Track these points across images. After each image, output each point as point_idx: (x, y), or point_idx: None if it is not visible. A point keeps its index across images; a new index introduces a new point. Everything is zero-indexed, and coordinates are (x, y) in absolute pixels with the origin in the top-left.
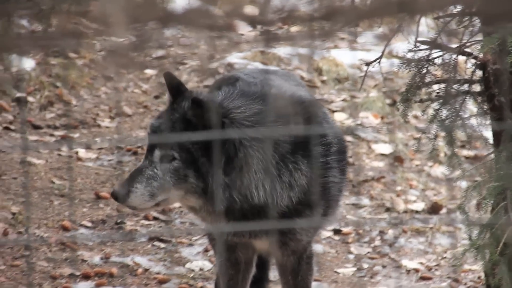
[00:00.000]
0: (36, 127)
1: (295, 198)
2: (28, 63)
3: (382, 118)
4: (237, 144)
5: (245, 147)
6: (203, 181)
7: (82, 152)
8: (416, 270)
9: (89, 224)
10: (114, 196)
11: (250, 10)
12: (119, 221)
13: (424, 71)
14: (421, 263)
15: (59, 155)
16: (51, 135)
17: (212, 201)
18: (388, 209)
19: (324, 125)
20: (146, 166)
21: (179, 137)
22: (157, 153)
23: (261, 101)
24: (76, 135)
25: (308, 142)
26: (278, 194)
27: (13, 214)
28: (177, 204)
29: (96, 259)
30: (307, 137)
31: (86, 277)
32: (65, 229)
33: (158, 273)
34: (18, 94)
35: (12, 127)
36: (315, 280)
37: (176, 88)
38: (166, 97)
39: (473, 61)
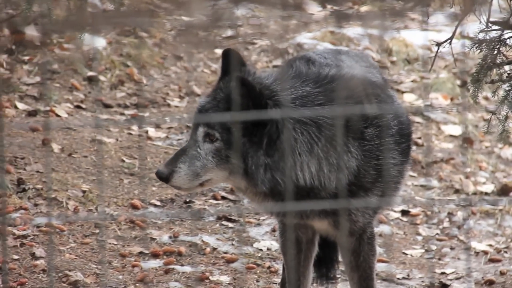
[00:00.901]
0: (107, 106)
1: (345, 180)
2: (100, 42)
3: (451, 99)
4: (280, 126)
5: (288, 129)
6: (243, 162)
7: (151, 131)
8: (485, 252)
9: (158, 203)
10: (158, 175)
11: None
12: (187, 200)
13: (495, 52)
14: (490, 245)
15: (129, 134)
16: (122, 114)
17: (254, 182)
18: (457, 191)
19: (382, 106)
20: (190, 146)
21: (220, 117)
22: (200, 132)
23: (313, 83)
24: (146, 114)
25: (359, 124)
26: (325, 176)
27: (84, 192)
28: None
29: (165, 237)
30: (359, 119)
31: (155, 255)
32: (135, 207)
33: (226, 253)
34: (90, 73)
35: (83, 105)
36: (383, 261)
37: (228, 67)
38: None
39: None
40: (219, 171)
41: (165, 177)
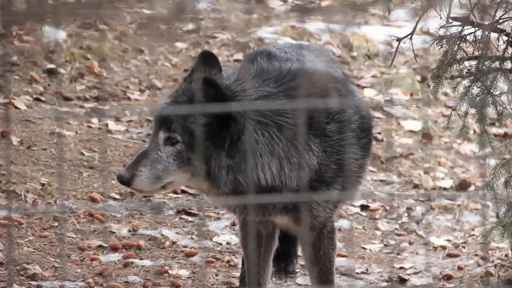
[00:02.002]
0: (67, 99)
1: (306, 177)
2: (60, 35)
3: (411, 94)
4: (241, 127)
5: (249, 131)
6: (206, 164)
7: (111, 125)
8: (443, 247)
9: (118, 196)
10: (120, 179)
11: None
12: None
13: (455, 48)
14: (448, 240)
15: (89, 127)
16: (81, 106)
17: (216, 183)
18: (416, 186)
19: (343, 101)
20: (151, 149)
21: (182, 117)
22: (161, 136)
23: (273, 82)
24: (106, 107)
25: (320, 121)
26: (286, 175)
27: (42, 185)
28: None
29: (124, 231)
30: (320, 115)
31: (114, 249)
32: (94, 200)
33: (185, 246)
34: (49, 66)
35: (43, 98)
36: (342, 255)
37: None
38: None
39: (505, 38)
40: (181, 173)
41: (126, 181)
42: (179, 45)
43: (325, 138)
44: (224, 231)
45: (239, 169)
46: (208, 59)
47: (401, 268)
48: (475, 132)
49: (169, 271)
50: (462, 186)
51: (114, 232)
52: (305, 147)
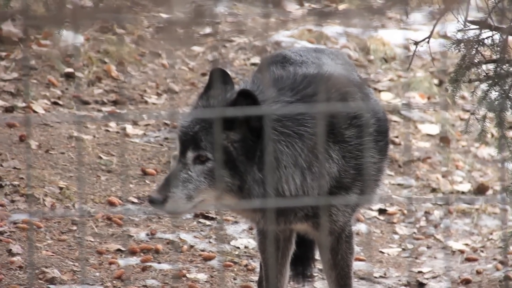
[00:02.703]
0: (85, 103)
1: (327, 186)
2: (77, 39)
3: (428, 98)
4: (266, 139)
5: (274, 142)
6: (239, 179)
7: (129, 128)
8: (462, 251)
9: (136, 200)
10: (152, 202)
11: None
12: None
13: (473, 52)
14: (466, 244)
15: (107, 130)
16: (99, 110)
17: (249, 198)
18: (434, 190)
19: (360, 105)
20: (180, 169)
21: (212, 134)
22: (189, 155)
23: (289, 90)
24: (124, 111)
25: (338, 127)
26: (308, 186)
27: (61, 188)
28: None
29: (142, 235)
30: (338, 122)
31: (132, 252)
32: (112, 204)
33: (203, 250)
34: (67, 69)
35: (61, 102)
36: (360, 260)
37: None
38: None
39: None
40: (211, 191)
41: (159, 204)
42: (196, 49)
43: (343, 144)
44: (242, 235)
45: (267, 181)
46: (221, 76)
47: (419, 272)
48: (493, 136)
49: (187, 275)
50: (480, 190)
51: (132, 236)
52: (325, 156)
